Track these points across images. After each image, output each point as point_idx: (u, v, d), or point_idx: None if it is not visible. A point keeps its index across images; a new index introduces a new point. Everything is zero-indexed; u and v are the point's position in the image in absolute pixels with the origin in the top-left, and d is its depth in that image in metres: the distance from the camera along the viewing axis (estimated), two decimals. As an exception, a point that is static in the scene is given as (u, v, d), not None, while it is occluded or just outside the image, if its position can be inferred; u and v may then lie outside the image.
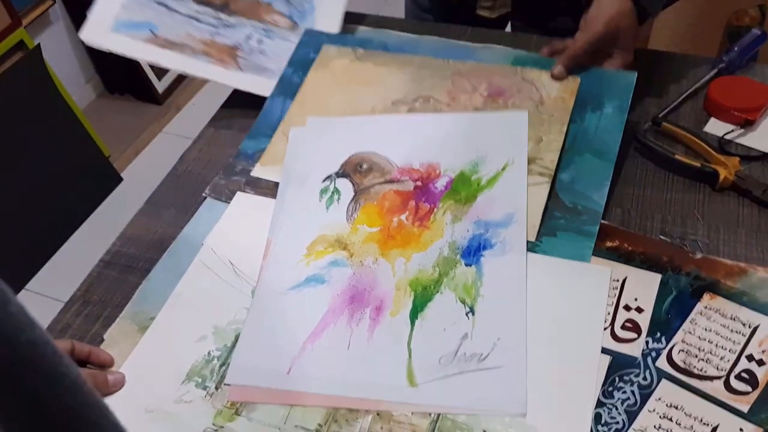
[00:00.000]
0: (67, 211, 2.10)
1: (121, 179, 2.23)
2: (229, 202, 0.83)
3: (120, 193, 2.20)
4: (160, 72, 2.47)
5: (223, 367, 0.67)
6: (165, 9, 0.98)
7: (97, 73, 2.49)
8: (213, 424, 0.64)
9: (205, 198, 0.84)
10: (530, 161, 0.80)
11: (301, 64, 0.97)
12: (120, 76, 2.47)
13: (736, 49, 0.94)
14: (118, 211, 2.19)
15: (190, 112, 2.49)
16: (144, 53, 0.96)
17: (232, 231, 0.80)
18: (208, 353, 0.68)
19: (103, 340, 0.71)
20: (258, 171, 0.87)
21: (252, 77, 0.96)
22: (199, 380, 0.66)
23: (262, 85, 0.95)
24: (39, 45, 2.01)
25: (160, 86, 2.47)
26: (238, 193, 0.85)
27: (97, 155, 2.18)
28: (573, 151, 0.82)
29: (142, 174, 2.25)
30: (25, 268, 1.99)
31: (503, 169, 0.79)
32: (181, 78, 2.55)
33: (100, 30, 0.95)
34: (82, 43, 2.36)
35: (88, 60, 2.45)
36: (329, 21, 1.00)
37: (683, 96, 0.91)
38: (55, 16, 2.28)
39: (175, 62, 0.95)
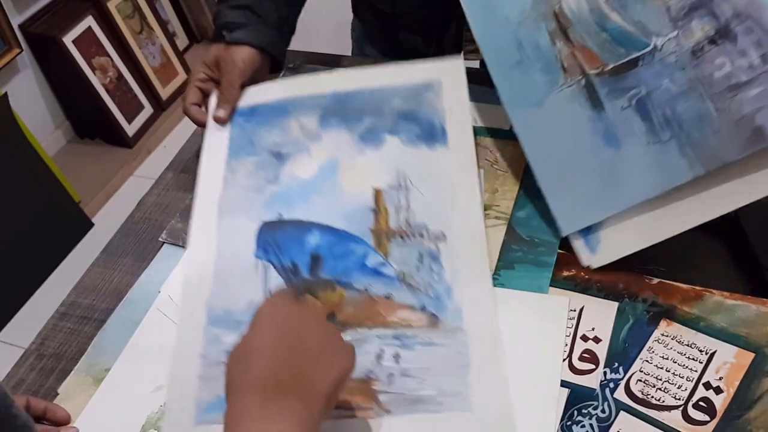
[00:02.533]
0: (38, 258, 2.08)
1: (92, 224, 2.22)
2: (186, 247, 0.83)
3: (91, 238, 2.19)
4: (130, 115, 2.47)
5: (178, 418, 0.66)
6: None
7: (67, 119, 2.49)
8: (168, 478, 0.62)
9: (163, 244, 0.84)
10: (487, 208, 0.81)
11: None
12: (90, 120, 2.46)
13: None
14: (89, 256, 2.18)
15: (161, 155, 2.49)
16: None
17: (189, 276, 0.79)
18: (164, 404, 0.67)
19: (57, 394, 0.70)
20: (217, 213, 0.86)
21: (412, 419, 0.64)
22: (155, 432, 0.65)
23: None
24: (6, 94, 2.00)
25: (130, 129, 2.46)
26: (197, 237, 0.84)
27: (67, 201, 2.17)
28: (528, 197, 0.82)
29: (113, 218, 2.23)
30: (-4, 318, 1.96)
31: None
32: (151, 120, 2.55)
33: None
34: (51, 89, 2.39)
35: (58, 106, 2.45)
36: (479, 307, 0.70)
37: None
38: (23, 64, 2.28)
39: None
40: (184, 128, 2.58)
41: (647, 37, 0.68)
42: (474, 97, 0.85)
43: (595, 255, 0.73)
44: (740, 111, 0.63)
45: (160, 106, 2.60)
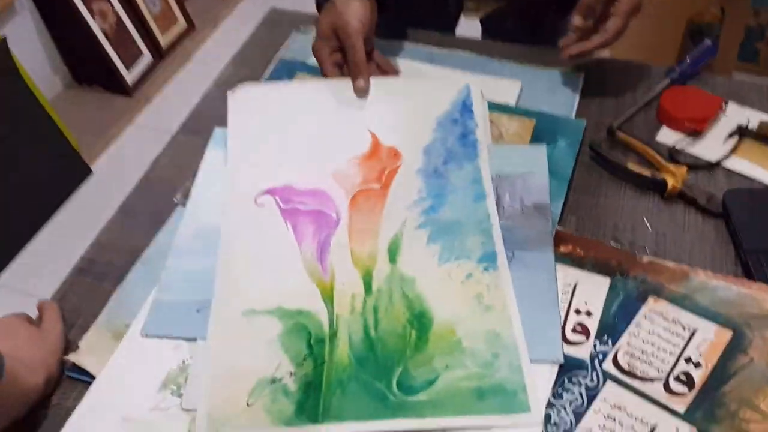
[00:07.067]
0: (37, 203, 2.10)
1: (90, 171, 2.24)
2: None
3: (90, 186, 2.21)
4: (129, 62, 2.47)
5: (197, 375, 0.70)
6: None
7: (64, 64, 2.48)
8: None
9: (177, 205, 0.87)
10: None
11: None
12: (89, 66, 2.46)
13: (688, 59, 0.99)
14: (88, 203, 2.20)
15: (161, 104, 2.49)
16: None
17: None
18: (183, 361, 0.71)
19: (78, 347, 0.74)
20: (228, 176, 0.90)
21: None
22: (175, 388, 0.69)
23: None
24: (5, 38, 2.00)
25: (130, 78, 2.46)
26: (209, 199, 0.87)
27: (66, 147, 2.18)
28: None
29: (113, 166, 2.26)
30: (-4, 262, 1.99)
31: None
32: (150, 68, 2.55)
33: None
34: (50, 33, 2.38)
35: (56, 51, 2.44)
36: None
37: (637, 106, 0.95)
38: (20, 6, 2.27)
39: None
40: (184, 78, 2.58)
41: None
42: (478, 67, 0.88)
43: None
44: None
45: (159, 54, 2.59)
